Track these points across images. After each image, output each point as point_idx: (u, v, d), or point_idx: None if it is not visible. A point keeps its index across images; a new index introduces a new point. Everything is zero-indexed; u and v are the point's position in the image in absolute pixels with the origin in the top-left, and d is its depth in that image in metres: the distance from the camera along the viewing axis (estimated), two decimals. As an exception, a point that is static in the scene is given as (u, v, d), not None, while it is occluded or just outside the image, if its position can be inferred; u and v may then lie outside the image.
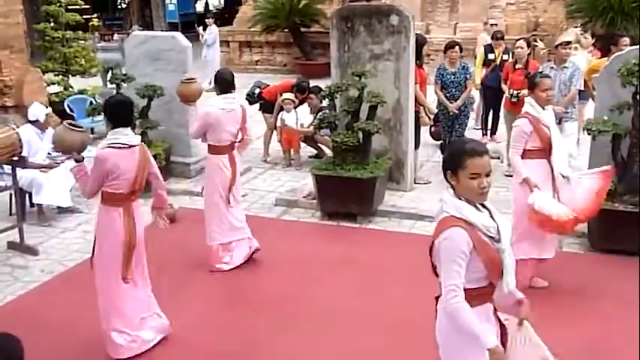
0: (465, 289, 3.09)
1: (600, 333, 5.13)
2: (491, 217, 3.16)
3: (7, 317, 5.40)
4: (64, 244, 7.09)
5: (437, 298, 3.29)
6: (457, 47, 8.94)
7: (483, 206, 3.18)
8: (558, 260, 5.93)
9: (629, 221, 6.26)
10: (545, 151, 5.58)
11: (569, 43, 8.08)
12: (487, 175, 3.09)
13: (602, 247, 6.43)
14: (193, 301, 5.81)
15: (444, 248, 3.06)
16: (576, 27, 11.44)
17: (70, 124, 4.92)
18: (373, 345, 5.00)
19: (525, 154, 5.62)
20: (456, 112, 8.82)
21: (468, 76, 8.93)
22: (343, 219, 7.51)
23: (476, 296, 3.14)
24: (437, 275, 3.21)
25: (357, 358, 4.89)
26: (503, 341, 3.31)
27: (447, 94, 8.88)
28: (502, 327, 3.32)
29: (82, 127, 4.99)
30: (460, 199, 3.10)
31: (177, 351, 5.02)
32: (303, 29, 17.91)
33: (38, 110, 7.82)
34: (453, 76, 8.85)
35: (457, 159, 3.09)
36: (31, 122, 7.78)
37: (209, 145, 6.24)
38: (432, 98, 9.39)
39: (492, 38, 10.52)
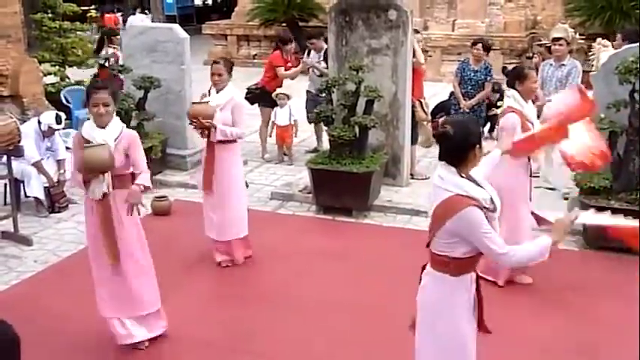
0: (457, 259, 3.24)
1: (597, 329, 5.13)
2: (481, 186, 3.31)
3: (0, 307, 5.36)
4: (58, 235, 7.07)
5: (423, 268, 3.45)
6: (480, 45, 8.78)
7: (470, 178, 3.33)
8: (553, 257, 5.89)
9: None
10: None
11: (559, 39, 8.02)
12: None
13: (597, 245, 6.42)
14: (189, 294, 5.79)
15: (466, 227, 3.16)
16: (563, 23, 11.24)
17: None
18: (367, 338, 5.00)
19: None
20: (467, 110, 8.65)
21: (488, 77, 8.77)
22: (339, 213, 7.49)
23: (465, 265, 3.29)
24: (428, 245, 3.36)
25: (352, 351, 4.89)
26: (480, 307, 3.44)
27: (463, 91, 8.76)
28: (478, 293, 3.43)
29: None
30: (462, 176, 3.22)
31: (173, 345, 5.00)
32: (301, 23, 17.86)
33: (49, 120, 7.66)
34: (473, 73, 8.72)
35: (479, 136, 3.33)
36: (39, 122, 7.72)
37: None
38: (429, 93, 9.35)
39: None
